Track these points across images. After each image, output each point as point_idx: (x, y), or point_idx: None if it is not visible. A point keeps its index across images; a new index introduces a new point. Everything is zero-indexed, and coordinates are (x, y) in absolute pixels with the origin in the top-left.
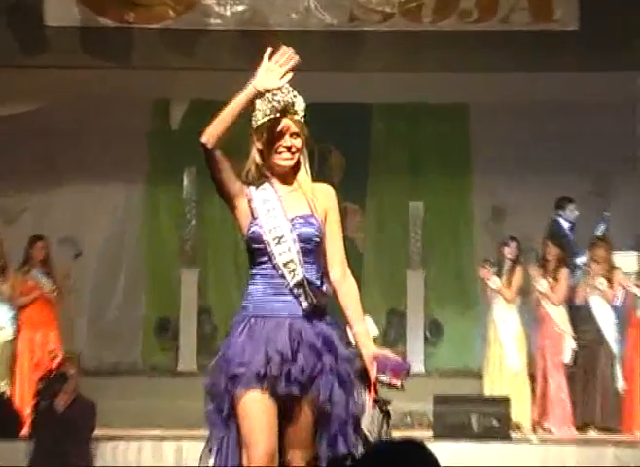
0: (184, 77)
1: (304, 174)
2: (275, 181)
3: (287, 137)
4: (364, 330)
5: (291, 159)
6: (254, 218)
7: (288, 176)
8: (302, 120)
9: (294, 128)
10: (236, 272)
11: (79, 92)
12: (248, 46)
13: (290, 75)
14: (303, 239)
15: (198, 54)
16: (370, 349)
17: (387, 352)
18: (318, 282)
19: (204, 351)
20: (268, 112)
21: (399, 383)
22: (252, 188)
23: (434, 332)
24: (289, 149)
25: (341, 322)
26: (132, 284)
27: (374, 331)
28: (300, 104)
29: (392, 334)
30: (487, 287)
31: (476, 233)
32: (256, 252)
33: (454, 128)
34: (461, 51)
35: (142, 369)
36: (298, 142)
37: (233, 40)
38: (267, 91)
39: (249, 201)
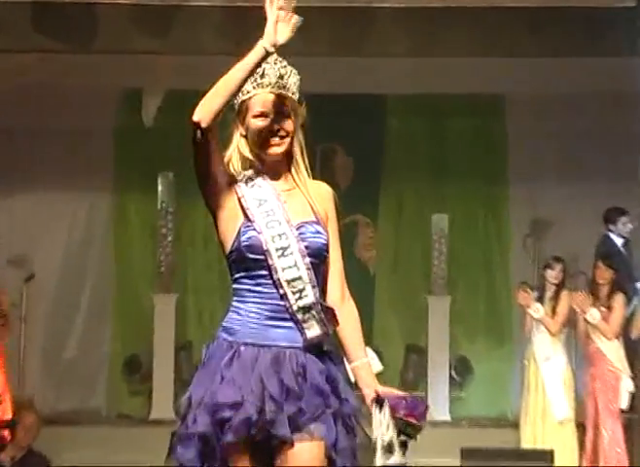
0: (159, 63)
1: (301, 169)
2: (268, 176)
3: (273, 117)
4: (366, 364)
5: (280, 145)
6: (249, 221)
7: (281, 170)
8: (296, 97)
9: (282, 107)
10: (222, 300)
11: (30, 82)
12: (235, 25)
13: (294, 22)
14: (313, 253)
15: (176, 35)
16: (373, 388)
17: (395, 391)
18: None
19: (183, 396)
20: (251, 88)
21: (417, 423)
22: (241, 183)
23: (461, 372)
24: (276, 133)
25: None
26: (96, 314)
27: (378, 366)
28: (292, 77)
29: (410, 374)
30: (527, 317)
31: (512, 253)
32: (250, 263)
33: (487, 125)
34: (495, 31)
35: (107, 417)
36: (289, 125)
37: (218, 17)
38: (277, 48)
39: (239, 199)
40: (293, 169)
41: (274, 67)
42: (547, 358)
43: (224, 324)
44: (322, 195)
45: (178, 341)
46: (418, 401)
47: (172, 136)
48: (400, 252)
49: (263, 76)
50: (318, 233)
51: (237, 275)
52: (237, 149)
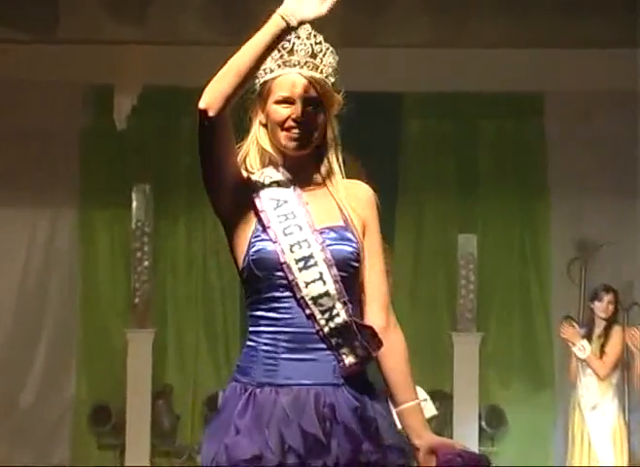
0: (133, 54)
1: (334, 167)
2: (290, 174)
3: (299, 105)
4: (416, 408)
5: (304, 139)
6: (262, 228)
7: (307, 168)
8: (331, 82)
9: (311, 92)
10: (208, 336)
11: None
12: (222, 10)
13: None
14: (337, 264)
15: (154, 23)
16: (426, 438)
17: (452, 442)
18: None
19: (161, 450)
20: (275, 66)
21: None
22: (257, 183)
23: (493, 422)
24: (302, 124)
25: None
26: (58, 353)
27: (432, 410)
28: (328, 57)
29: (433, 425)
30: (571, 358)
31: (554, 281)
32: (261, 283)
33: (523, 129)
34: (531, 17)
35: None
36: (318, 115)
37: (202, 2)
38: (302, 24)
39: (253, 201)
40: (322, 167)
41: (306, 43)
42: (594, 407)
43: (238, 363)
44: (359, 198)
45: (155, 386)
46: (479, 458)
47: (149, 141)
48: (420, 280)
49: (291, 53)
50: (344, 239)
51: (250, 300)
52: (256, 140)
